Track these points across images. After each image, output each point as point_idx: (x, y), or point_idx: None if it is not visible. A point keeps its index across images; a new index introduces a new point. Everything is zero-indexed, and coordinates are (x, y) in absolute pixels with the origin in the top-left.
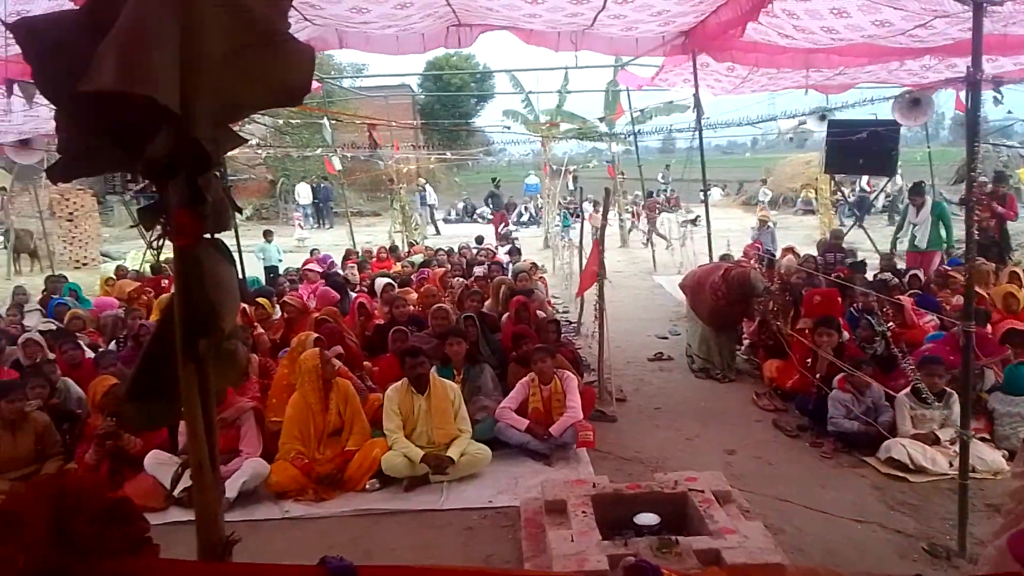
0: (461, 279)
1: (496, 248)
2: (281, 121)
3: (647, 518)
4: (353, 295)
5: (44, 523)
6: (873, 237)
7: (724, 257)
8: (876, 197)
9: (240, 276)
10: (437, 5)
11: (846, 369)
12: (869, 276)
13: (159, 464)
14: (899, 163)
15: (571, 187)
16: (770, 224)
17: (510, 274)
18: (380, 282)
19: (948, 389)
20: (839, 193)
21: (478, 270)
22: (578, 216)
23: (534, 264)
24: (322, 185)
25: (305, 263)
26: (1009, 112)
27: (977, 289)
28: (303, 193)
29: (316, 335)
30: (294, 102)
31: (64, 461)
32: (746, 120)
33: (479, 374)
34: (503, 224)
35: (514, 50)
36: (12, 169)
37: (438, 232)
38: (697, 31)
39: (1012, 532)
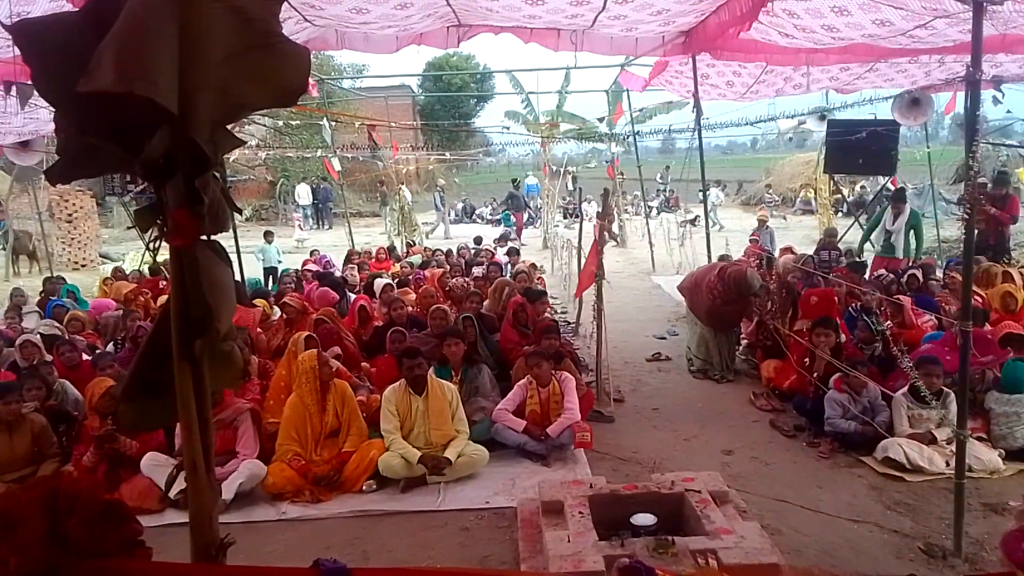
0: (463, 279)
1: (495, 249)
2: (281, 122)
3: (644, 519)
4: (352, 296)
5: (38, 524)
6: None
7: (723, 258)
8: (876, 197)
9: (238, 277)
10: (437, 5)
11: (843, 369)
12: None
13: (155, 466)
14: (898, 163)
15: (570, 187)
16: (769, 224)
17: (508, 275)
18: (379, 283)
19: (946, 389)
20: (839, 193)
21: (477, 271)
22: (576, 216)
23: (533, 265)
24: (321, 186)
25: (304, 264)
26: (1008, 112)
27: (975, 289)
28: (303, 194)
29: (308, 334)
30: (290, 103)
31: (61, 463)
32: (746, 120)
33: (477, 375)
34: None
35: (514, 50)
36: (11, 170)
37: (448, 236)
38: (697, 31)
39: (1006, 533)
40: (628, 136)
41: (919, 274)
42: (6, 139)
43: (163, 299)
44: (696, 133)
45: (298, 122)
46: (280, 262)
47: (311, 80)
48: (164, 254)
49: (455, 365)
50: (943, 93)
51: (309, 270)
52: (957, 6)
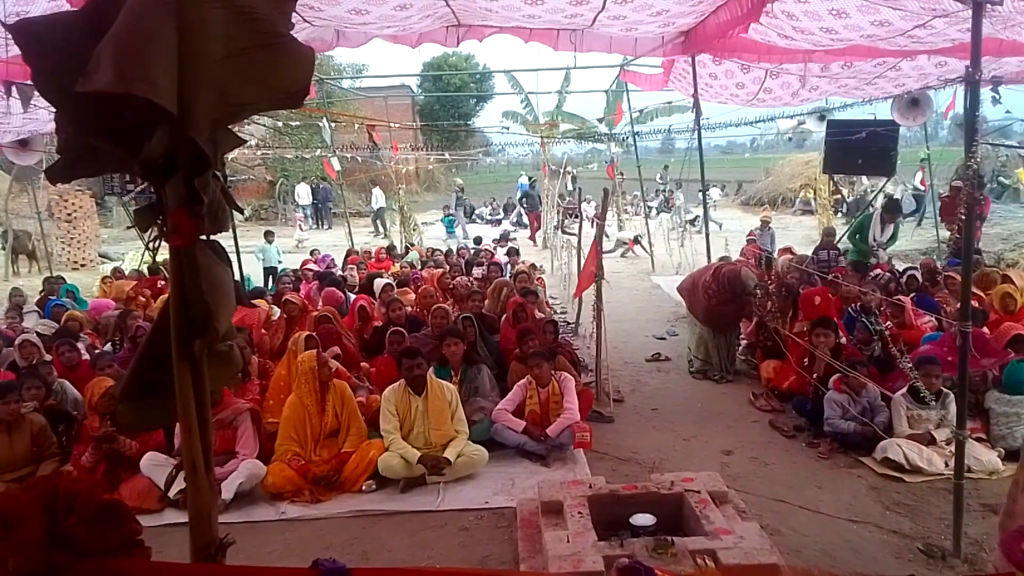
0: (467, 278)
1: (495, 249)
2: (280, 122)
3: (643, 519)
4: (352, 296)
5: (37, 524)
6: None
7: (723, 259)
8: (875, 197)
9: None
10: (437, 6)
11: (842, 370)
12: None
13: (155, 466)
14: (898, 163)
15: (570, 187)
16: (771, 225)
17: (508, 275)
18: (379, 283)
19: (945, 389)
20: (838, 193)
21: (476, 271)
22: (576, 216)
23: (532, 265)
24: (321, 186)
25: (304, 263)
26: (1008, 112)
27: (974, 290)
28: (302, 194)
29: (308, 334)
30: (294, 104)
31: (60, 463)
32: (745, 121)
33: (476, 375)
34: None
35: (513, 50)
36: (11, 170)
37: (467, 235)
38: (697, 31)
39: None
40: (628, 136)
41: (918, 274)
42: (4, 138)
43: (162, 299)
44: (695, 133)
45: (297, 122)
46: (280, 262)
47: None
48: (163, 254)
49: (455, 365)
50: (943, 93)
51: (310, 269)
52: (956, 5)
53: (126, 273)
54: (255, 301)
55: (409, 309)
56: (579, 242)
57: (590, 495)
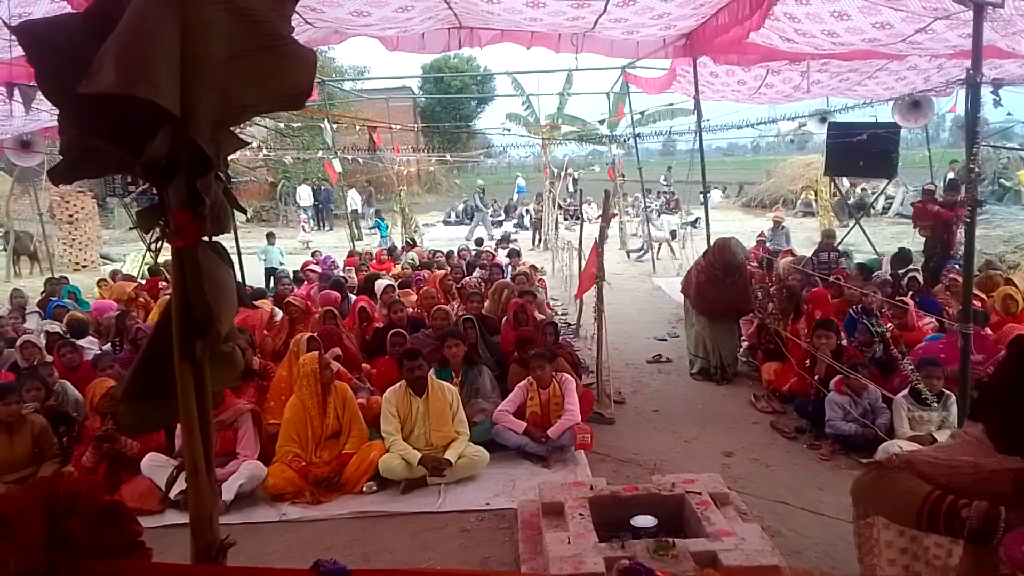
0: (475, 277)
1: (495, 250)
2: (282, 124)
3: (644, 520)
4: (353, 297)
5: (38, 526)
6: (872, 239)
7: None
8: (876, 199)
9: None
10: (438, 8)
11: (843, 371)
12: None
13: (156, 467)
14: (899, 165)
15: (571, 189)
16: (785, 226)
17: (509, 276)
18: (380, 284)
19: (946, 391)
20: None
21: (477, 273)
22: (577, 218)
23: (533, 266)
24: (323, 187)
25: (305, 265)
26: (1009, 114)
27: (976, 292)
28: (304, 195)
29: (310, 335)
30: (296, 106)
31: (61, 464)
32: (746, 123)
33: (477, 376)
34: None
35: (515, 52)
36: (12, 171)
37: (492, 236)
38: (698, 34)
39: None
40: (629, 138)
41: (919, 276)
42: (7, 140)
43: (162, 300)
44: (697, 135)
45: (299, 124)
46: (282, 263)
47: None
48: (165, 255)
49: (455, 366)
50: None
51: (313, 270)
52: (957, 7)
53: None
54: (257, 302)
55: (410, 310)
56: (580, 244)
57: (591, 496)
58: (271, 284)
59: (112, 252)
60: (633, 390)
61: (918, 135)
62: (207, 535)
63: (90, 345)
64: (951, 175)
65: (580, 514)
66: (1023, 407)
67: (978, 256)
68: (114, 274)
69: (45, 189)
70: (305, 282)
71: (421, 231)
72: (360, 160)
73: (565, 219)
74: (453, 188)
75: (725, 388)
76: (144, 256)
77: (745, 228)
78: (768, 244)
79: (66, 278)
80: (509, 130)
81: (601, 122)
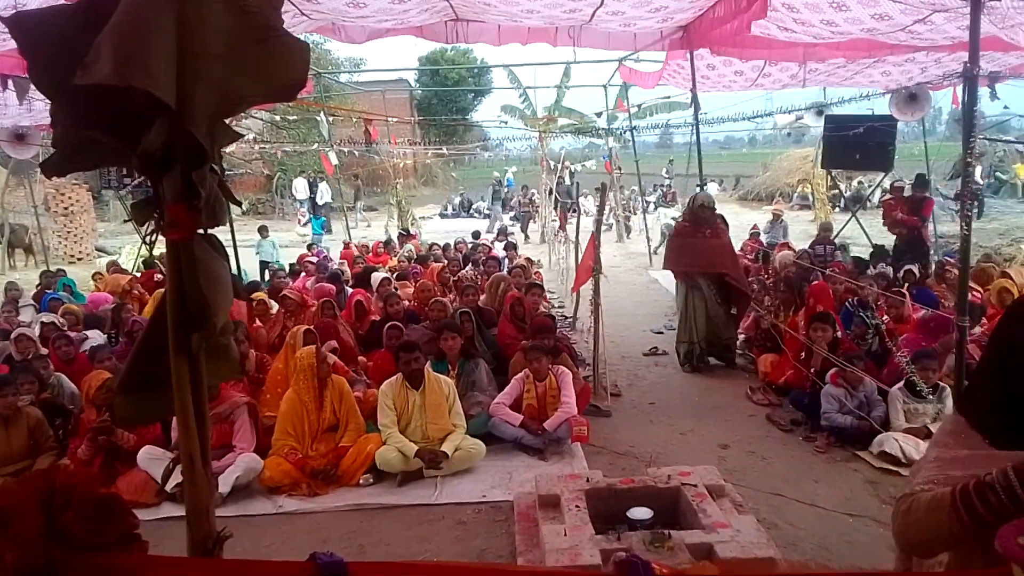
0: (471, 271)
1: (492, 244)
2: (278, 116)
3: (640, 512)
4: (349, 290)
5: (34, 520)
6: (868, 232)
7: None
8: (872, 192)
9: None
10: (435, 0)
11: (839, 364)
12: None
13: (152, 459)
14: (895, 158)
15: (568, 182)
16: (784, 219)
17: (506, 270)
18: (376, 276)
19: (941, 383)
20: (836, 188)
21: (470, 268)
22: (573, 211)
23: (529, 259)
24: (319, 180)
25: (301, 257)
26: (1006, 107)
27: (972, 285)
28: (300, 188)
29: (307, 328)
30: (290, 97)
31: (57, 456)
32: (743, 116)
33: (474, 369)
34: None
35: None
36: (7, 164)
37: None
38: (695, 26)
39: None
40: (626, 131)
41: (915, 269)
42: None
43: (158, 293)
44: (694, 128)
45: (295, 116)
46: (277, 259)
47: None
48: (160, 248)
49: (452, 359)
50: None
51: (311, 262)
52: (955, 2)
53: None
54: (255, 295)
55: (407, 303)
56: (576, 237)
57: (587, 489)
58: (266, 277)
59: (107, 245)
60: (629, 383)
61: (915, 128)
62: (203, 528)
63: (97, 337)
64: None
65: (576, 506)
66: (1015, 384)
67: (975, 249)
68: (111, 266)
69: (40, 182)
70: (303, 274)
71: (418, 224)
72: (356, 153)
73: (557, 210)
74: (449, 181)
75: (721, 380)
76: (139, 249)
77: (741, 221)
78: (766, 237)
79: (63, 271)
80: (506, 123)
81: (599, 115)
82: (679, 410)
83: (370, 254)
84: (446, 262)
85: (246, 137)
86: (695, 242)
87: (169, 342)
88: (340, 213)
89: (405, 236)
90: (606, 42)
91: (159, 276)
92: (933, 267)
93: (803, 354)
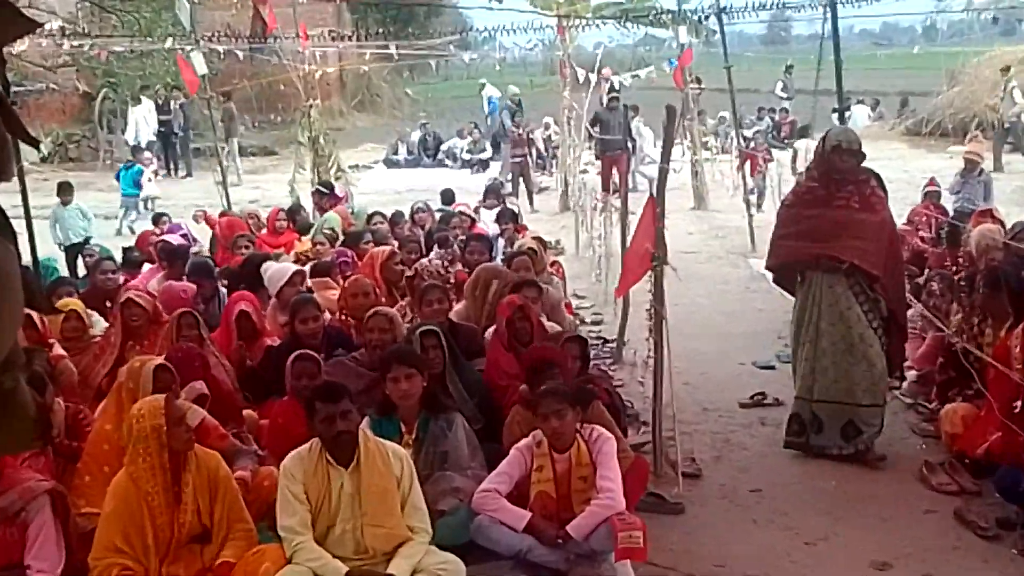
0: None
1: (477, 212)
2: None
3: None
4: (226, 293)
5: None
6: None
7: None
8: None
9: (27, 262)
10: None
11: None
12: None
13: None
14: None
15: (606, 104)
16: (984, 169)
17: (500, 257)
18: (275, 270)
19: None
20: None
21: (438, 252)
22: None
23: (540, 240)
24: (174, 104)
25: (143, 237)
26: None
27: None
28: (142, 117)
29: (158, 362)
30: None
31: None
32: None
33: (445, 431)
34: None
35: None
36: None
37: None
38: None
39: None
40: (710, 15)
41: None
42: None
43: None
44: (828, 8)
45: None
46: (87, 234)
47: None
48: None
49: (407, 415)
50: None
51: (163, 243)
52: None
53: None
54: (66, 302)
55: (329, 316)
56: (624, 202)
57: None
58: (78, 270)
59: None
60: (717, 455)
61: None
62: None
63: None
64: None
65: None
66: None
67: None
68: None
69: None
70: (146, 266)
71: (348, 177)
72: (240, 54)
73: (597, 157)
74: (403, 104)
75: (874, 452)
76: None
77: (911, 169)
78: (954, 200)
79: None
80: (501, 1)
81: None
82: (802, 503)
83: (264, 231)
84: (396, 244)
85: (47, 28)
86: (821, 217)
87: None
88: (211, 159)
89: (325, 198)
90: None
91: None
92: None
93: (1018, 404)
